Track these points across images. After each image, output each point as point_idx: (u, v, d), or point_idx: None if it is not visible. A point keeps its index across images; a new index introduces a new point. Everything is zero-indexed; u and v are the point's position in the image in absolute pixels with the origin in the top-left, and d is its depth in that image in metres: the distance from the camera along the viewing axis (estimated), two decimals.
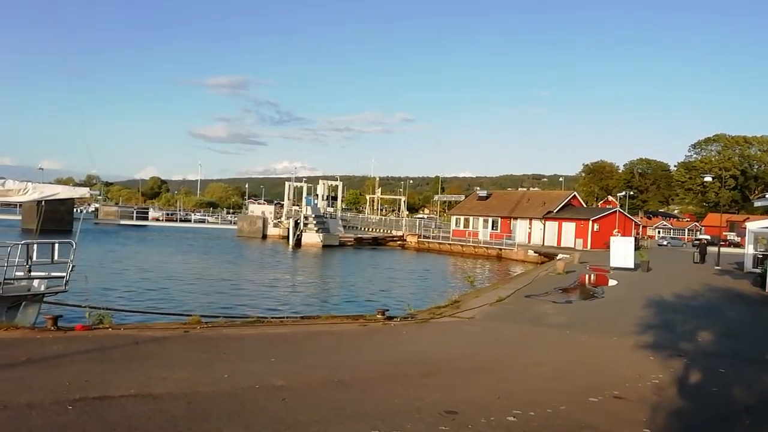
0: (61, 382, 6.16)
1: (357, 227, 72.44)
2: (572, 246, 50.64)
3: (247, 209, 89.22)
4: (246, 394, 6.30)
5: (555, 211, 55.65)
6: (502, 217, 58.73)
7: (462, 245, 53.12)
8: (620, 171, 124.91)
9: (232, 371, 7.17)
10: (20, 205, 51.97)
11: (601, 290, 20.79)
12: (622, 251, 29.51)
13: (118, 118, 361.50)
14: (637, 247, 33.46)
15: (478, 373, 8.35)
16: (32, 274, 10.87)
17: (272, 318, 12.45)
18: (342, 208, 74.65)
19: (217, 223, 78.06)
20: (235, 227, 67.83)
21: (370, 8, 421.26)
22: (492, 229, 58.60)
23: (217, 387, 6.47)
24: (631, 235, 43.62)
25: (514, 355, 9.87)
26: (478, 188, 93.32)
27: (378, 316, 12.37)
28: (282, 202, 76.34)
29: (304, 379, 7.19)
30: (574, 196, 61.85)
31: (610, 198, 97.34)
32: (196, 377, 6.82)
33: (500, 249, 49.36)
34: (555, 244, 52.65)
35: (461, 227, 61.67)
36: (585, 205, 66.45)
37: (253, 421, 5.39)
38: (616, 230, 47.62)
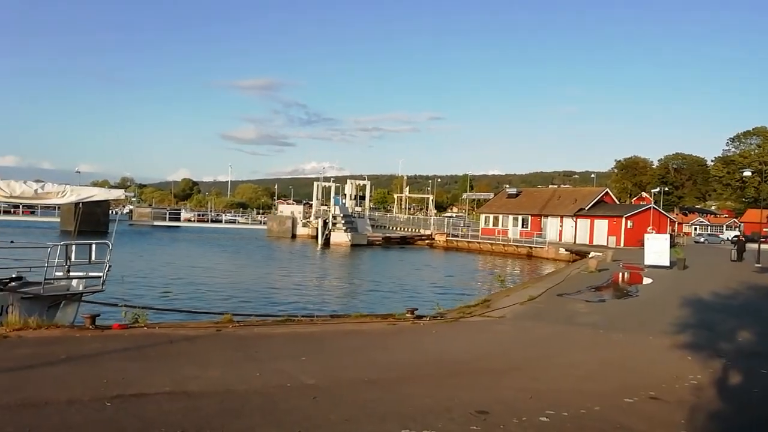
0: (99, 379, 6.33)
1: (385, 226, 72.49)
2: (605, 244, 49.64)
3: (276, 209, 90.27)
4: (277, 392, 6.36)
5: (587, 208, 54.66)
6: (532, 215, 57.97)
7: (491, 244, 52.65)
8: (654, 167, 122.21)
9: (264, 370, 7.25)
10: (58, 208, 53.70)
11: (635, 289, 20.34)
12: (657, 249, 28.82)
13: (151, 121, 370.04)
14: (672, 245, 32.62)
15: (509, 372, 8.25)
16: (71, 274, 11.19)
17: (302, 317, 12.53)
18: (370, 208, 74.85)
19: (248, 223, 79.18)
20: (264, 227, 68.73)
21: (397, 8, 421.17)
22: (522, 227, 57.91)
23: (249, 385, 6.55)
24: (666, 232, 42.59)
25: (546, 354, 9.72)
26: (508, 186, 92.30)
27: (407, 315, 12.33)
28: (310, 202, 76.96)
29: (334, 377, 7.23)
30: (607, 192, 60.68)
31: (644, 194, 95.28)
32: (229, 375, 6.92)
33: (530, 247, 48.74)
34: (587, 242, 51.70)
35: (490, 225, 61.10)
36: (618, 202, 65.12)
37: (285, 419, 5.44)
38: (651, 227, 46.55)
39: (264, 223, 71.92)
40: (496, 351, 9.82)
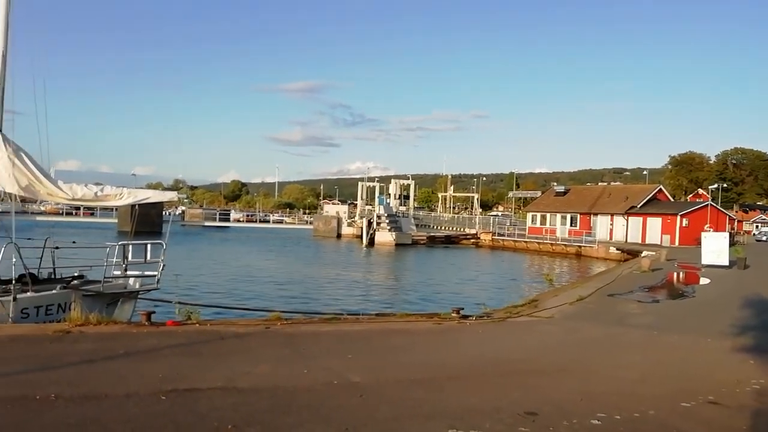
0: (154, 374, 6.57)
1: (429, 225, 72.20)
2: (658, 242, 47.92)
3: (322, 209, 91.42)
4: (324, 389, 6.44)
5: (639, 206, 52.87)
6: (581, 213, 56.53)
7: (539, 243, 51.68)
8: (711, 162, 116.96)
9: (311, 367, 7.35)
10: (116, 209, 56.06)
11: (691, 289, 19.55)
12: (715, 247, 27.56)
13: (202, 126, 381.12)
14: (732, 243, 31.16)
15: (558, 373, 8.07)
16: (128, 273, 11.67)
17: (348, 315, 12.64)
18: (414, 207, 74.82)
19: (294, 223, 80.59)
20: (311, 227, 69.73)
21: (439, 6, 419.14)
22: (570, 225, 56.56)
23: (297, 382, 6.65)
24: (724, 230, 40.74)
25: (597, 356, 9.46)
26: (555, 183, 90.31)
27: (453, 314, 12.24)
28: (355, 202, 77.58)
29: (380, 376, 7.26)
30: (660, 189, 58.49)
31: (701, 191, 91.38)
32: (277, 372, 7.05)
33: (579, 246, 47.58)
34: (639, 241, 50.04)
35: (538, 224, 59.95)
36: (672, 200, 62.76)
37: (332, 416, 5.50)
38: (708, 225, 44.60)
39: (310, 223, 72.95)
40: (545, 351, 9.62)
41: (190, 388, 6.12)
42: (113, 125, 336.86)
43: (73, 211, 63.14)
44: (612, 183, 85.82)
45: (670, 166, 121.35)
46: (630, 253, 41.09)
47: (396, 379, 7.18)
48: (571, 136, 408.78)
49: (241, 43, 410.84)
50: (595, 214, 55.30)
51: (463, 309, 12.55)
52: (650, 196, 54.63)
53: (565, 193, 63.79)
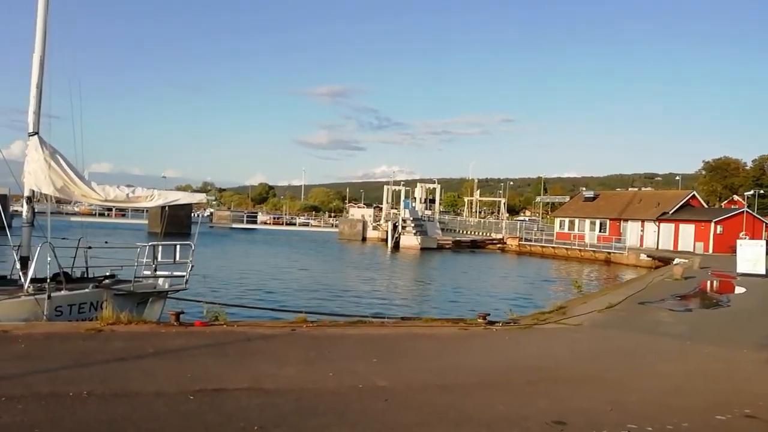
0: (183, 373, 6.66)
1: (455, 230, 71.74)
2: (691, 250, 46.76)
3: (347, 213, 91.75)
4: (350, 393, 6.43)
5: (671, 212, 51.69)
6: (610, 219, 55.54)
7: (567, 249, 50.90)
8: (747, 168, 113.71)
9: (337, 370, 7.35)
10: (147, 210, 57.23)
11: (726, 298, 18.99)
12: (751, 255, 26.73)
13: (231, 129, 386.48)
14: None
15: (587, 382, 7.92)
16: (158, 273, 11.88)
17: (373, 319, 12.63)
18: (440, 211, 74.42)
19: (320, 226, 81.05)
20: (336, 230, 70.01)
21: (464, 11, 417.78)
22: (600, 231, 55.59)
23: (323, 385, 6.67)
24: (761, 238, 39.53)
25: (627, 365, 9.24)
26: (584, 188, 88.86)
27: (479, 320, 12.12)
28: (381, 206, 77.62)
29: (405, 380, 7.22)
30: (693, 195, 57.05)
31: (736, 198, 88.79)
32: (303, 374, 7.07)
33: (609, 253, 46.69)
34: (671, 248, 48.90)
35: (566, 230, 59.07)
36: (706, 206, 61.16)
37: (358, 420, 5.49)
38: (744, 233, 43.29)
39: (336, 226, 73.27)
40: (573, 359, 9.44)
41: (217, 388, 6.18)
42: (143, 128, 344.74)
43: (106, 212, 64.67)
44: (643, 188, 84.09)
45: (703, 172, 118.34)
46: (661, 260, 40.18)
47: (422, 384, 7.13)
48: (600, 141, 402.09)
49: (270, 46, 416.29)
50: (626, 220, 54.27)
51: (489, 315, 12.42)
52: (683, 202, 53.36)
53: (594, 198, 62.76)
